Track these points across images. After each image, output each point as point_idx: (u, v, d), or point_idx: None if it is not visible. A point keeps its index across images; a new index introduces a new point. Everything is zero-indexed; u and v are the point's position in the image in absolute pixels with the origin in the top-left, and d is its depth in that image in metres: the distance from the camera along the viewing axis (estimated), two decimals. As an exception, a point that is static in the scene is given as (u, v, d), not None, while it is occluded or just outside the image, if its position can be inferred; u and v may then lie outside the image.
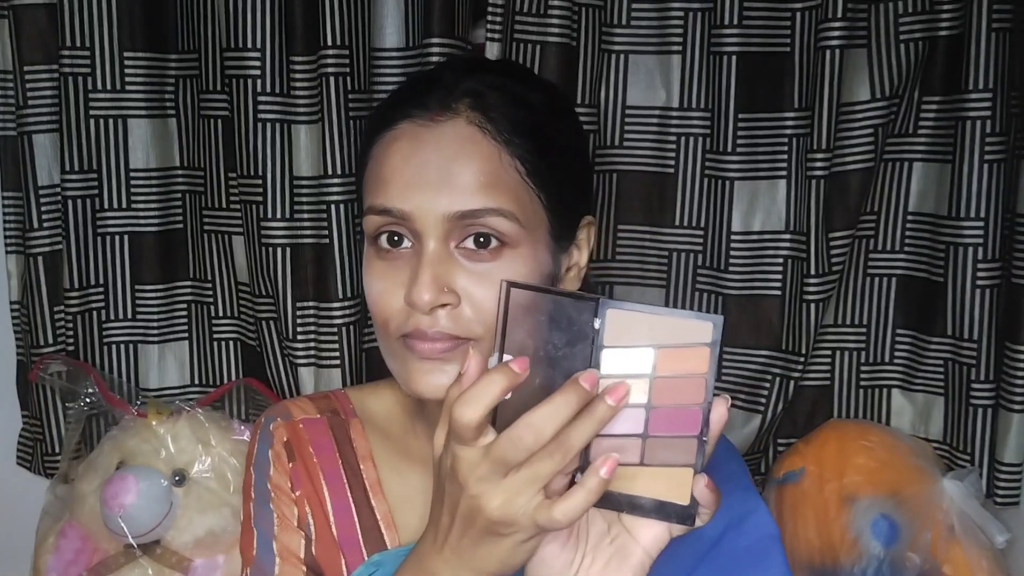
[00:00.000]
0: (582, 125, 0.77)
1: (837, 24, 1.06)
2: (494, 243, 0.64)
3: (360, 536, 0.76)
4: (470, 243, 0.64)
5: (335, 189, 1.11)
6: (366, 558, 0.74)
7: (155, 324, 1.24)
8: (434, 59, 1.08)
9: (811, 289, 1.13)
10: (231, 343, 1.25)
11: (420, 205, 0.64)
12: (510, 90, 0.67)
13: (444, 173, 0.64)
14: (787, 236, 1.13)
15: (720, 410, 0.54)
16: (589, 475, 0.52)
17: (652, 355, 0.53)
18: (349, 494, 0.77)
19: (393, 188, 0.65)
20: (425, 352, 0.65)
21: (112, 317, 1.23)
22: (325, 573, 0.75)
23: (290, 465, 0.77)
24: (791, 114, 1.10)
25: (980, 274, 1.10)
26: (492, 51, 1.10)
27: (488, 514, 0.53)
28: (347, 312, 1.14)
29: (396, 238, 0.66)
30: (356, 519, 0.76)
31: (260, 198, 1.12)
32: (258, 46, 1.08)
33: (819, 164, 1.10)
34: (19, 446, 1.29)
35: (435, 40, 1.08)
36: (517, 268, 0.65)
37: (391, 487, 0.77)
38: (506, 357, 0.52)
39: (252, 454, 0.79)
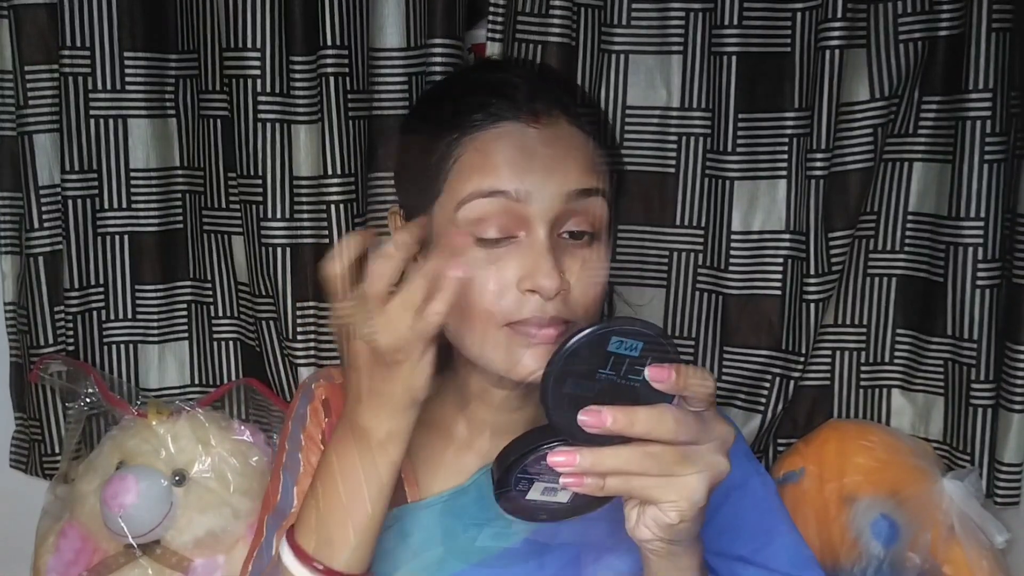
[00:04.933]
0: None
1: (837, 24, 1.06)
2: (586, 237, 0.69)
3: None
4: (571, 230, 0.69)
5: (335, 189, 1.11)
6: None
7: (155, 324, 1.24)
8: (436, 59, 1.08)
9: (811, 289, 1.13)
10: (231, 343, 1.25)
11: (538, 185, 0.67)
12: (577, 92, 0.74)
13: (556, 160, 0.68)
14: (787, 236, 1.13)
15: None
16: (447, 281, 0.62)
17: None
18: None
19: (506, 171, 0.67)
20: (541, 337, 0.68)
21: (112, 317, 1.23)
22: None
23: (325, 420, 0.84)
24: (791, 114, 1.10)
25: (980, 274, 1.10)
26: (493, 51, 1.10)
27: (384, 345, 0.62)
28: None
29: (504, 228, 0.67)
30: None
31: (260, 198, 1.12)
32: (258, 46, 1.08)
33: (819, 164, 1.10)
34: (12, 447, 1.28)
35: (438, 41, 1.08)
36: (605, 250, 0.71)
37: (415, 449, 0.80)
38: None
39: (292, 409, 0.87)
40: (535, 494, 0.61)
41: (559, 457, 0.54)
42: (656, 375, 0.53)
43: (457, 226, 0.68)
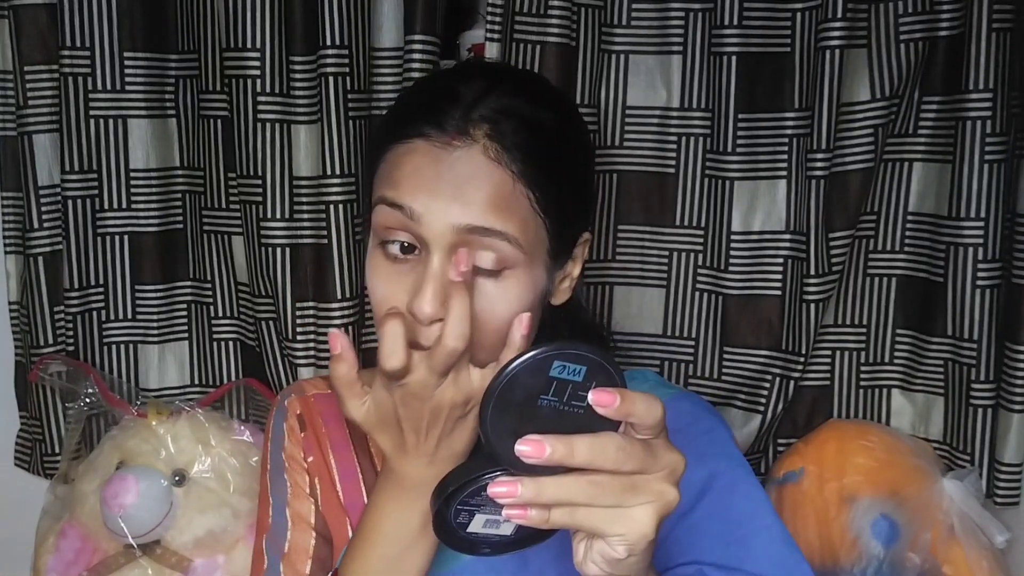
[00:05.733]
0: (591, 138, 0.78)
1: (837, 24, 1.06)
2: (493, 265, 0.66)
3: (365, 499, 0.81)
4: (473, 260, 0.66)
5: (334, 189, 1.11)
6: None
7: (155, 324, 1.24)
8: (415, 56, 1.08)
9: (811, 289, 1.13)
10: (231, 343, 1.25)
11: (431, 209, 0.65)
12: (527, 117, 0.68)
13: (458, 189, 0.65)
14: (787, 236, 1.13)
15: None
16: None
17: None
18: (356, 461, 0.83)
19: (406, 188, 0.66)
20: None
21: (112, 317, 1.23)
22: (332, 535, 0.81)
23: (302, 435, 0.83)
24: (791, 114, 1.10)
25: (980, 274, 1.10)
26: (491, 51, 1.10)
27: (453, 401, 0.64)
28: (346, 312, 1.14)
29: (406, 245, 0.67)
30: (362, 484, 0.81)
31: (260, 198, 1.12)
32: (258, 46, 1.08)
33: (819, 164, 1.10)
34: (17, 446, 1.29)
35: (417, 38, 1.07)
36: (514, 287, 0.67)
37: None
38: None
39: (269, 429, 0.86)
40: (476, 527, 0.58)
41: (500, 488, 0.51)
42: (600, 400, 0.50)
43: (372, 230, 0.69)
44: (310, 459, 0.83)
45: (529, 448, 0.50)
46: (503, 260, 0.66)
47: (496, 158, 0.66)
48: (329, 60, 1.08)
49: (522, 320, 0.64)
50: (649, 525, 0.52)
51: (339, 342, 0.64)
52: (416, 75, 1.08)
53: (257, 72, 1.09)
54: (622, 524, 0.52)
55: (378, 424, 0.66)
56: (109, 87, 1.16)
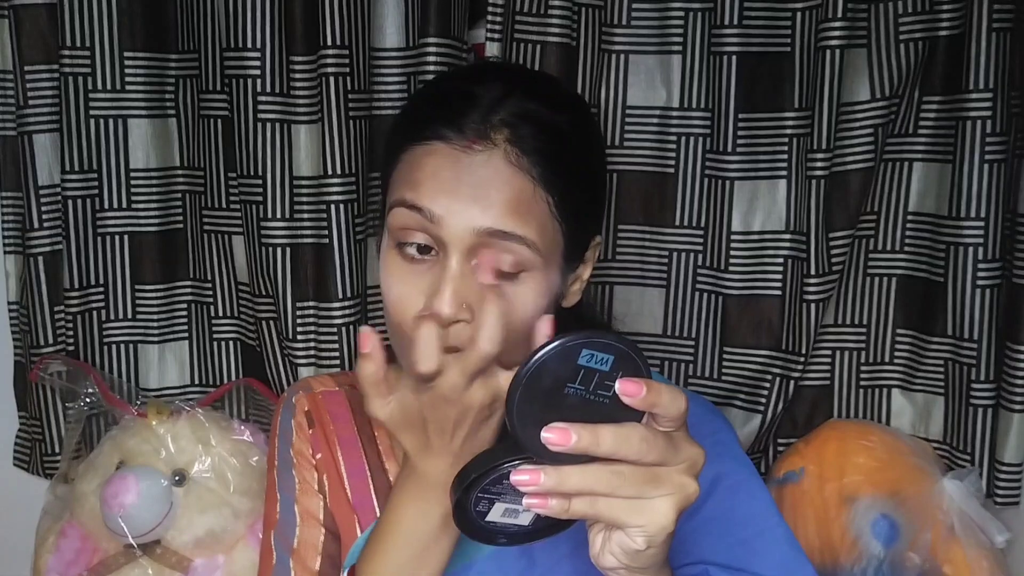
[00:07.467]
0: (603, 140, 0.78)
1: (837, 24, 1.06)
2: (511, 268, 0.67)
3: (374, 497, 0.82)
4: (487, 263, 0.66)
5: (335, 189, 1.11)
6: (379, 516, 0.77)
7: (155, 324, 1.24)
8: (431, 59, 1.08)
9: (811, 289, 1.13)
10: (231, 343, 1.25)
11: (452, 211, 0.65)
12: (545, 121, 0.68)
13: (478, 192, 0.65)
14: (787, 236, 1.13)
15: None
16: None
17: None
18: (364, 459, 0.83)
19: (426, 190, 0.66)
20: None
21: (112, 317, 1.23)
22: (340, 532, 0.81)
23: (310, 432, 0.84)
24: (791, 114, 1.10)
25: (980, 274, 1.10)
26: (492, 51, 1.10)
27: (479, 402, 0.63)
28: (347, 312, 1.14)
29: (423, 246, 0.67)
30: (370, 482, 0.82)
31: (260, 198, 1.12)
32: (258, 46, 1.08)
33: (819, 164, 1.10)
34: (16, 446, 1.29)
35: (431, 40, 1.08)
36: (531, 290, 0.68)
37: (400, 451, 0.80)
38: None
39: (276, 425, 0.86)
40: (495, 516, 0.58)
41: (523, 476, 0.51)
42: (626, 389, 0.50)
43: (388, 231, 0.69)
44: (318, 456, 0.83)
45: (555, 436, 0.50)
46: (521, 263, 0.67)
47: (516, 163, 0.66)
48: (329, 60, 1.08)
49: (545, 321, 0.64)
50: (669, 517, 0.52)
51: (370, 341, 0.63)
52: (430, 78, 1.08)
53: (257, 72, 1.09)
54: (642, 515, 0.52)
55: (403, 424, 0.65)
56: (109, 87, 1.16)
